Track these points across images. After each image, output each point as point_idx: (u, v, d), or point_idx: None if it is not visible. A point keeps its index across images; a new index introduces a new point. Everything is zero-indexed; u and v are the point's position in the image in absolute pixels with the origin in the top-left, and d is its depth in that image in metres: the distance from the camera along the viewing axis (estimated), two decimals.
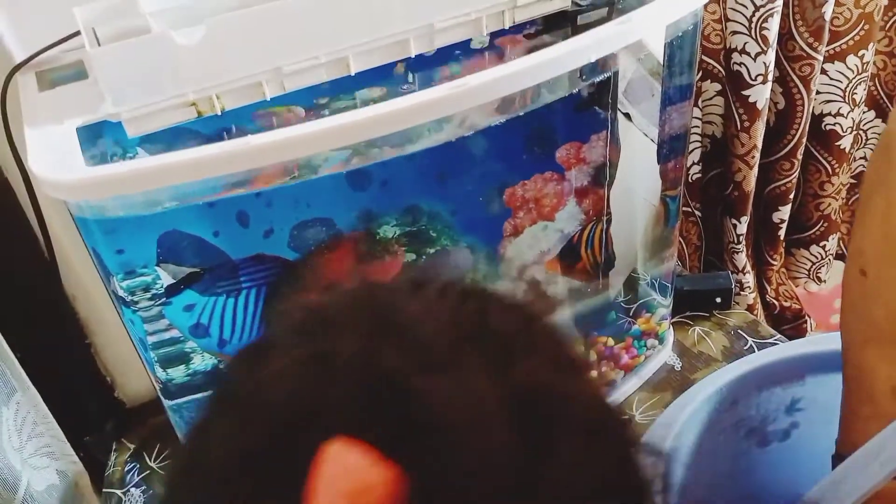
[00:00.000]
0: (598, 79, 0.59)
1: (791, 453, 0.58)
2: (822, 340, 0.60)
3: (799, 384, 0.60)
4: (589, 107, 0.69)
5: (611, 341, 0.78)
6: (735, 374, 0.59)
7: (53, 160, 0.43)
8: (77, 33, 0.53)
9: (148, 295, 0.57)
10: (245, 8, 0.51)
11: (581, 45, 0.50)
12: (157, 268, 0.60)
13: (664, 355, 0.81)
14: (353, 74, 0.54)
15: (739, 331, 0.84)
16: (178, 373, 0.63)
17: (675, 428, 0.55)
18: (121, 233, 0.51)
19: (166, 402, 0.63)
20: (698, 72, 0.90)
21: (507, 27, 0.59)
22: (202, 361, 0.66)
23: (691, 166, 0.97)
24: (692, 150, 0.96)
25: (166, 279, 0.61)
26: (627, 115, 0.75)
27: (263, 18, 0.50)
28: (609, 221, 0.78)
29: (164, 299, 0.60)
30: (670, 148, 0.74)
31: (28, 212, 0.65)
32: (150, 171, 0.42)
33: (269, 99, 0.51)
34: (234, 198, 0.59)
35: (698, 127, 0.96)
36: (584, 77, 0.55)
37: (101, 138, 0.51)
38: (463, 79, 0.46)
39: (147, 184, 0.43)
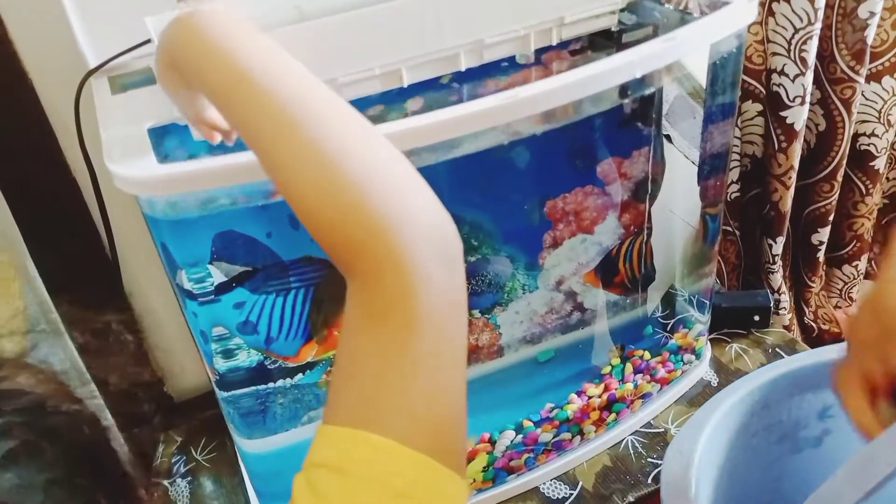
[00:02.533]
0: (641, 94, 0.61)
1: (824, 461, 0.58)
2: None
3: (831, 390, 0.60)
4: (632, 123, 0.70)
5: (647, 355, 0.79)
6: (767, 378, 0.59)
7: (128, 158, 0.46)
8: (148, 41, 0.56)
9: (210, 289, 0.60)
10: (305, 21, 0.54)
11: (626, 62, 0.52)
12: (209, 266, 0.63)
13: (701, 371, 0.82)
14: (405, 86, 0.57)
15: (777, 349, 0.85)
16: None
17: (707, 429, 0.56)
18: (188, 228, 0.54)
19: (221, 394, 0.65)
20: (740, 92, 0.91)
21: (553, 44, 0.61)
22: (247, 357, 0.69)
23: (730, 185, 0.98)
24: (731, 169, 0.97)
25: (218, 277, 0.64)
26: (668, 137, 0.77)
27: (323, 31, 0.53)
28: (649, 237, 0.79)
29: (212, 296, 0.63)
30: (711, 166, 0.75)
31: (94, 211, 0.68)
32: (216, 170, 0.45)
33: None
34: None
35: (738, 147, 0.97)
36: (629, 93, 0.56)
37: (168, 141, 0.54)
38: (514, 90, 0.48)
39: (213, 182, 0.45)
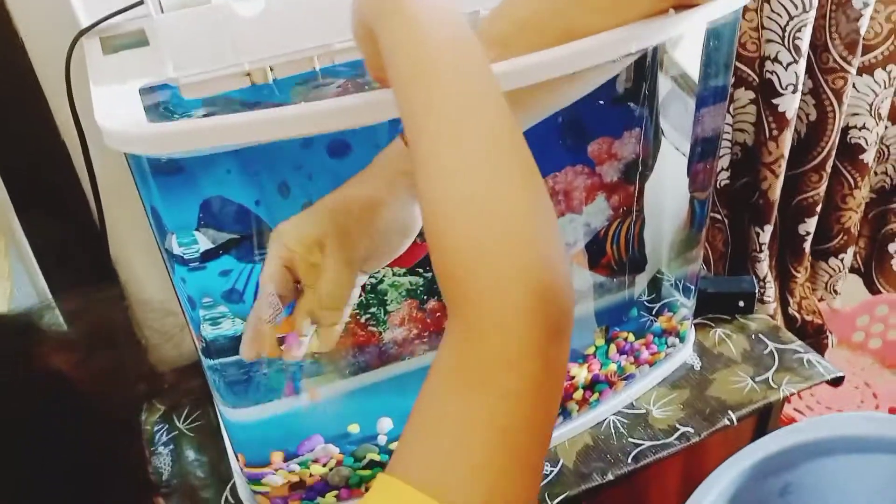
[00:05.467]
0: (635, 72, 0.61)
1: None
2: (810, 428, 0.65)
3: (789, 471, 0.65)
4: (623, 101, 0.70)
5: (631, 337, 0.80)
6: (738, 469, 0.63)
7: (119, 116, 0.46)
8: (140, 2, 0.56)
9: (197, 255, 0.59)
10: None
11: (623, 36, 0.52)
12: (195, 232, 0.62)
13: (684, 354, 0.83)
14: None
15: (760, 335, 0.85)
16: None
17: None
18: (178, 191, 0.53)
19: (207, 362, 0.65)
20: (732, 79, 0.91)
21: None
22: (232, 326, 0.69)
23: (720, 172, 0.98)
24: (722, 157, 0.98)
25: (204, 244, 0.63)
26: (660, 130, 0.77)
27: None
28: (638, 220, 0.79)
29: (198, 263, 0.63)
30: (702, 151, 0.76)
31: (83, 179, 0.68)
32: (207, 129, 0.45)
33: (318, 70, 0.54)
34: (277, 168, 0.62)
35: (729, 134, 0.98)
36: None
37: (158, 100, 0.54)
38: (512, 59, 0.48)
39: (204, 141, 0.45)
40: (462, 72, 0.36)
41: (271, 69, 0.53)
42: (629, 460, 0.71)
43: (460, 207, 0.34)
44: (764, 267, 1.02)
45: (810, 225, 1.03)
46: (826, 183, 1.01)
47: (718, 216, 1.02)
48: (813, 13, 0.83)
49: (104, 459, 0.34)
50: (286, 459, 0.70)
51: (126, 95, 0.49)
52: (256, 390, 0.71)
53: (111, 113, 0.46)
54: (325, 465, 0.71)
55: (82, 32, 0.58)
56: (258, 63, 0.52)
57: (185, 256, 0.61)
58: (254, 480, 0.71)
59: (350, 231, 0.51)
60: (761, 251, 1.01)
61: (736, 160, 1.00)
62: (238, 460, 0.73)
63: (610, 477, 0.70)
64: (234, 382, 0.72)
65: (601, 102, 0.70)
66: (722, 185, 1.00)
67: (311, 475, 0.71)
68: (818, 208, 1.02)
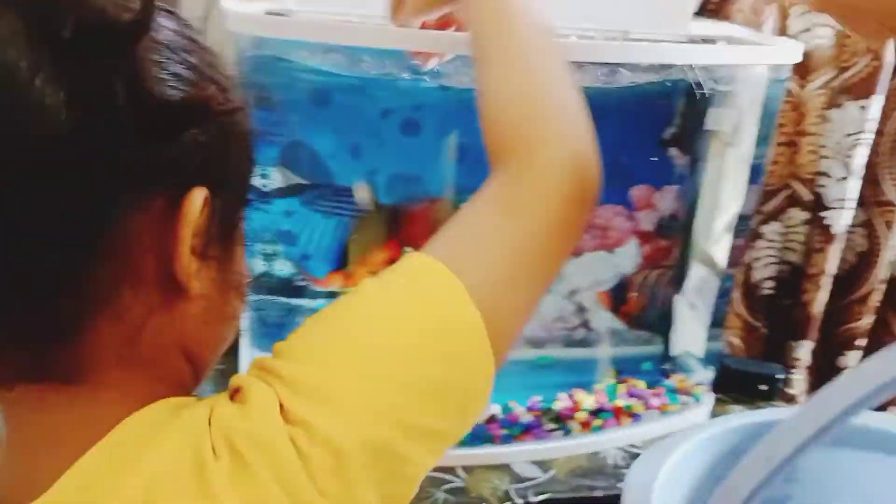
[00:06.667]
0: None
1: None
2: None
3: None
4: (671, 145, 0.77)
5: (642, 384, 0.82)
6: (737, 423, 0.59)
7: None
8: None
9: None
10: None
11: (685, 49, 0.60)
12: (273, 169, 0.72)
13: (699, 415, 0.83)
14: None
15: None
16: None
17: (675, 455, 0.55)
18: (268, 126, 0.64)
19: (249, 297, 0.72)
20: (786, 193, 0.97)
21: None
22: (281, 267, 0.76)
23: (764, 281, 1.02)
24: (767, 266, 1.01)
25: (277, 182, 0.73)
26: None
27: None
28: (669, 276, 0.84)
29: (268, 198, 0.73)
30: (737, 226, 0.81)
31: None
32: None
33: None
34: (356, 129, 0.72)
35: (778, 251, 1.01)
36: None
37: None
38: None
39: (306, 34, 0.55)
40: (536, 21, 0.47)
41: None
42: (619, 486, 0.71)
43: (525, 94, 0.44)
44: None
45: (851, 359, 1.03)
46: (872, 319, 1.02)
47: (759, 324, 1.04)
48: (870, 135, 0.90)
49: None
50: None
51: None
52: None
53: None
54: None
55: None
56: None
57: (261, 189, 0.70)
58: None
59: None
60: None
61: (782, 278, 1.03)
62: None
63: (599, 493, 0.70)
64: (268, 325, 0.78)
65: (649, 142, 0.77)
66: (765, 294, 1.02)
67: None
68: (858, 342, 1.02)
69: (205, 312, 0.35)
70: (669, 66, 0.68)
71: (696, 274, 0.86)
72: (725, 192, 0.81)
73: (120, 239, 0.31)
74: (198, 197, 0.33)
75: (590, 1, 0.67)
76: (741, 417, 0.61)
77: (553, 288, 0.81)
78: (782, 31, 0.91)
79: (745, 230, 0.84)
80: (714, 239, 0.84)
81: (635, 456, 0.76)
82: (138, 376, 0.33)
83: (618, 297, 0.83)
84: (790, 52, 0.69)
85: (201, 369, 0.38)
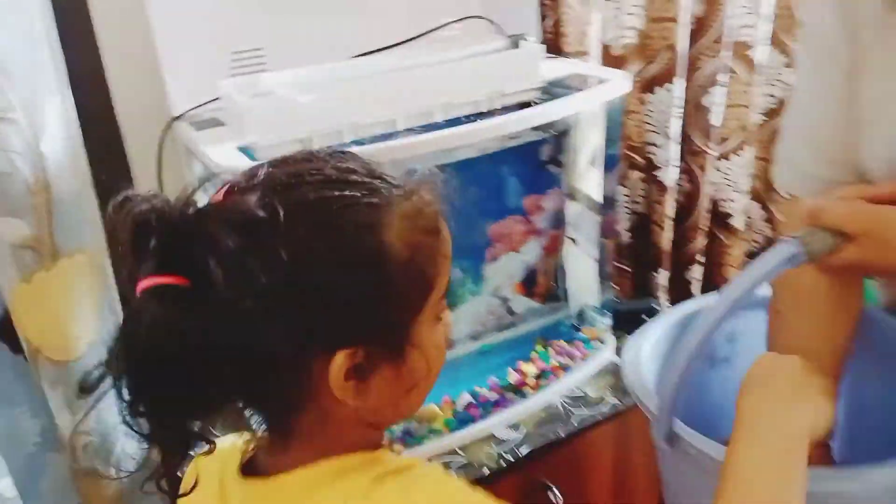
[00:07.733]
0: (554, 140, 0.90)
1: (733, 375, 0.66)
2: None
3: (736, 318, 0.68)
4: (548, 163, 1.00)
5: (564, 343, 1.06)
6: (692, 308, 0.79)
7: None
8: (217, 99, 0.83)
9: None
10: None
11: (541, 111, 0.81)
12: None
13: (608, 354, 1.08)
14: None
15: None
16: None
17: (653, 334, 0.76)
18: None
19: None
20: (625, 160, 1.23)
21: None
22: None
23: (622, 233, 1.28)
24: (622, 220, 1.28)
25: None
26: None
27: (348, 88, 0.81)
28: (561, 258, 1.07)
29: None
30: (607, 207, 1.05)
31: None
32: None
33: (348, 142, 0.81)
34: None
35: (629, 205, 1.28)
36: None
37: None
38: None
39: None
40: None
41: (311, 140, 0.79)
42: (575, 424, 0.95)
43: None
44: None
45: (695, 272, 1.33)
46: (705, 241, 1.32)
47: (625, 266, 1.31)
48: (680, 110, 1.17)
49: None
50: None
51: (228, 151, 0.75)
52: None
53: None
54: None
55: (176, 118, 0.84)
56: (307, 133, 0.78)
57: None
58: None
59: None
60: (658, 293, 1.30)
61: (634, 225, 1.30)
62: None
63: (562, 434, 0.94)
64: None
65: (530, 165, 0.99)
66: (626, 243, 1.29)
67: None
68: (698, 257, 1.32)
69: (377, 405, 0.49)
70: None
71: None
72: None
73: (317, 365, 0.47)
74: (338, 358, 0.46)
75: (452, 77, 0.87)
76: (690, 305, 0.82)
77: (479, 290, 1.02)
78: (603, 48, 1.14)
79: (611, 207, 1.08)
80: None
81: (578, 399, 1.01)
82: (326, 440, 0.50)
83: (529, 284, 1.05)
84: (622, 83, 0.92)
85: (384, 426, 0.55)
